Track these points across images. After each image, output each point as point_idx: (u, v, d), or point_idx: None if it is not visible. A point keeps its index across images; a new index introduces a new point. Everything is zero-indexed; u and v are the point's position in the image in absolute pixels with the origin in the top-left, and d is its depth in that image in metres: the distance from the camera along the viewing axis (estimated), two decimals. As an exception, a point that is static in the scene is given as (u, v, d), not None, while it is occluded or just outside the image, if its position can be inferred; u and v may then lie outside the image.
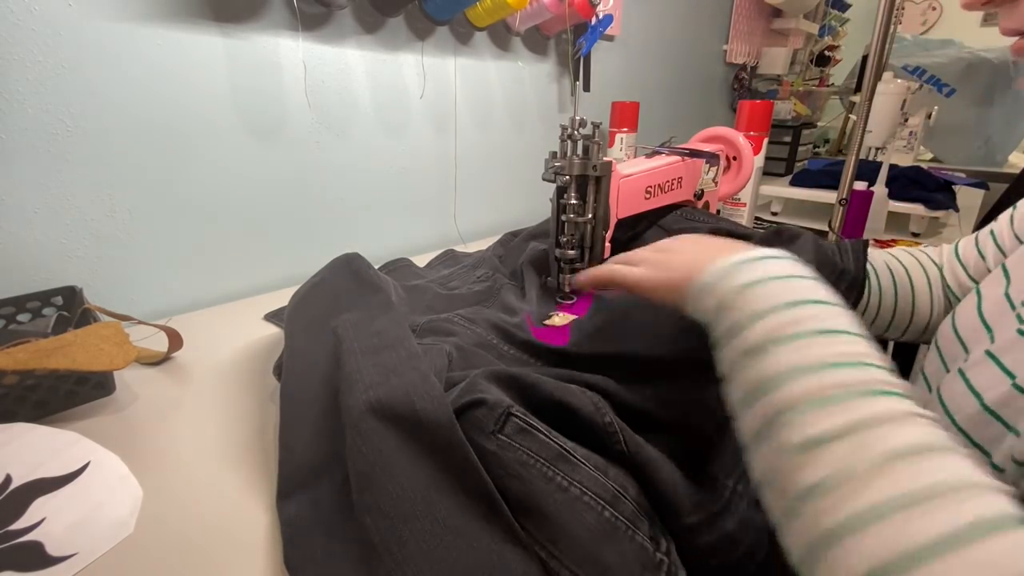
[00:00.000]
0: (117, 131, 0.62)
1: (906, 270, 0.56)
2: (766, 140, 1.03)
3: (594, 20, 1.03)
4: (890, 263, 0.57)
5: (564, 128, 0.62)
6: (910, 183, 1.14)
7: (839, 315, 0.30)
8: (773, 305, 0.30)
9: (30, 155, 0.57)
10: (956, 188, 1.20)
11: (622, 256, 0.47)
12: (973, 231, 0.55)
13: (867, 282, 0.55)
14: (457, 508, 0.33)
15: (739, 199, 1.04)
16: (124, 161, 0.63)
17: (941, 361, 0.43)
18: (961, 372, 0.37)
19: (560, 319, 0.60)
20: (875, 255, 0.57)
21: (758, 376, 0.29)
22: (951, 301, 0.54)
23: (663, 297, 0.39)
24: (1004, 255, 0.48)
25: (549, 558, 0.31)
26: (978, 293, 0.43)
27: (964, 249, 0.54)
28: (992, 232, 0.51)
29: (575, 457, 0.34)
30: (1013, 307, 0.37)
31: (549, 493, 0.33)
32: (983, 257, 0.51)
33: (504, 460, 0.34)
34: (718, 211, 0.90)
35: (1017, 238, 0.47)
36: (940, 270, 0.56)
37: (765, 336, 0.29)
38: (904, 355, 1.03)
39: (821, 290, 0.32)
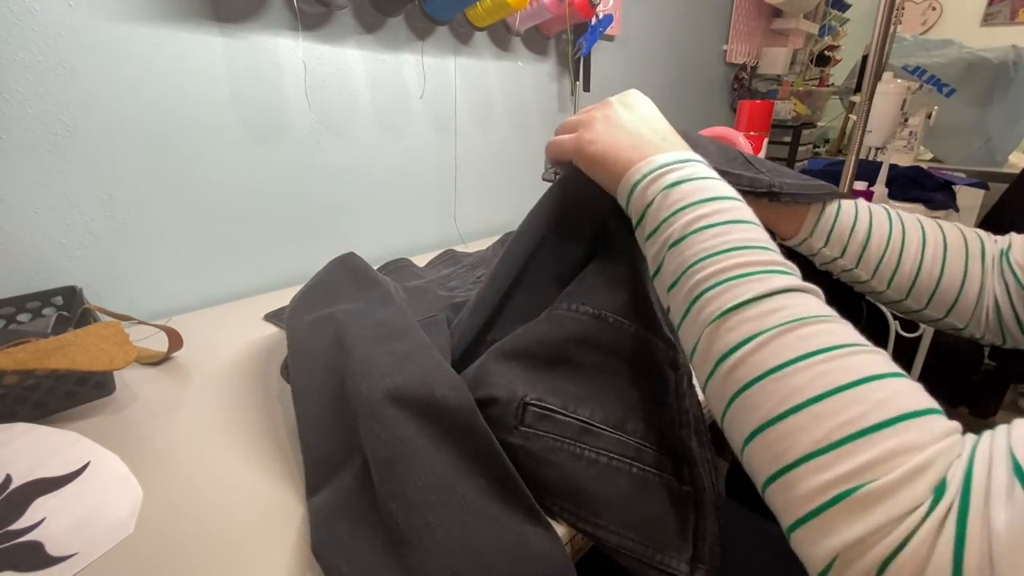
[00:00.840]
0: (117, 131, 0.62)
1: (943, 233, 0.49)
2: (766, 140, 1.04)
3: (594, 20, 1.03)
4: (924, 221, 0.50)
5: (564, 128, 0.62)
6: (910, 183, 1.14)
7: (744, 210, 0.34)
8: (692, 201, 0.34)
9: (30, 155, 0.57)
10: (956, 188, 1.20)
11: (562, 125, 0.46)
12: None
13: (890, 224, 0.49)
14: (479, 492, 0.34)
15: (739, 199, 1.04)
16: (124, 161, 0.63)
17: None
18: None
19: None
20: (907, 215, 0.51)
21: (681, 262, 0.33)
22: (1009, 285, 0.46)
23: (598, 175, 0.41)
24: None
25: (596, 529, 0.34)
26: None
27: None
28: None
29: (595, 426, 0.37)
30: None
31: (582, 470, 0.35)
32: None
33: (533, 451, 0.36)
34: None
35: None
36: (1004, 252, 0.48)
37: (684, 227, 0.33)
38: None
39: (731, 189, 0.36)
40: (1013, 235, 0.49)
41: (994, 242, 0.50)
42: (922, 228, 0.50)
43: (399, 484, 0.33)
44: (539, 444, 0.36)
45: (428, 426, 0.35)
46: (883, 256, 0.49)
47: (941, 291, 0.48)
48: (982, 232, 0.50)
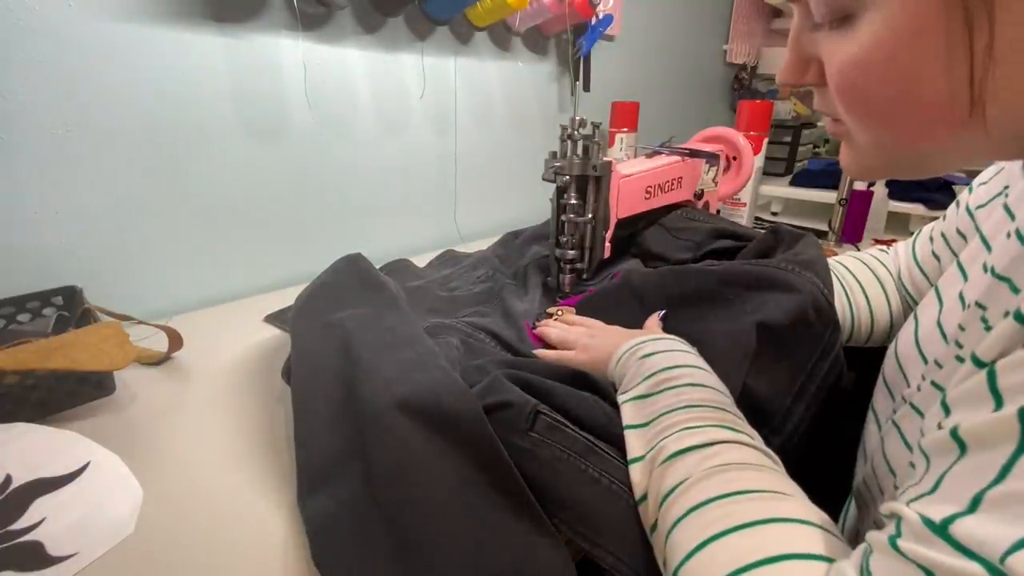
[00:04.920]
0: (117, 131, 0.62)
1: (860, 284, 0.55)
2: (766, 140, 1.03)
3: (594, 20, 1.03)
4: (844, 279, 0.56)
5: (564, 128, 0.62)
6: (910, 183, 1.14)
7: (703, 376, 0.39)
8: (654, 371, 0.40)
9: (31, 155, 0.57)
10: (956, 188, 1.20)
11: (563, 329, 0.54)
12: None
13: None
14: (488, 503, 0.33)
15: (739, 199, 1.04)
16: (124, 161, 0.63)
17: (887, 390, 0.40)
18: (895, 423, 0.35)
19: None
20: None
21: (649, 413, 0.37)
22: (910, 304, 0.52)
23: (592, 370, 0.47)
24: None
25: (592, 547, 0.33)
26: (915, 318, 0.40)
27: (922, 252, 0.52)
28: (944, 235, 0.48)
29: (601, 449, 0.37)
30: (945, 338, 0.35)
31: (584, 484, 0.35)
32: (938, 259, 0.49)
33: (540, 457, 0.36)
34: (718, 211, 0.90)
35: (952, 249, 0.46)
36: (897, 274, 0.54)
37: (647, 389, 0.39)
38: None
39: (691, 357, 0.42)
40: (899, 252, 0.56)
41: (884, 266, 0.57)
42: (843, 286, 0.56)
43: (406, 493, 0.33)
44: (546, 452, 0.36)
45: (435, 435, 0.35)
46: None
47: (877, 328, 0.56)
48: (881, 258, 0.58)
